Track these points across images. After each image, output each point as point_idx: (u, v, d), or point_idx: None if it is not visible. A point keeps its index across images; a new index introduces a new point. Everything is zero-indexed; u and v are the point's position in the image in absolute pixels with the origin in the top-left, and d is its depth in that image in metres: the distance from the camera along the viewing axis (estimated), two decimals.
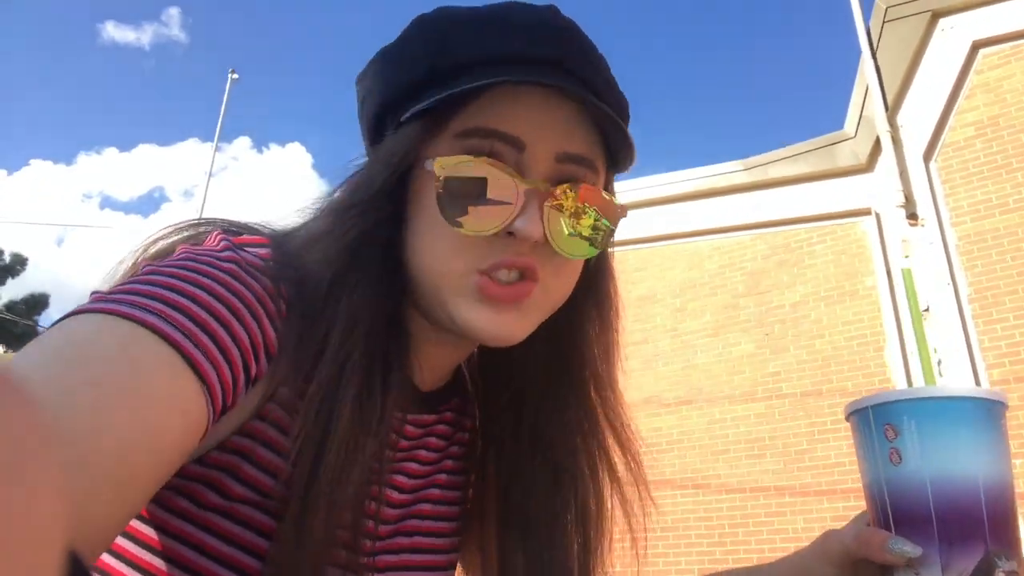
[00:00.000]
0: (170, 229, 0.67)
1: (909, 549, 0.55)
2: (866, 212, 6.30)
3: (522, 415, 0.77)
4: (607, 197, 0.68)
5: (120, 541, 0.61)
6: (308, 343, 0.61)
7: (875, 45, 6.38)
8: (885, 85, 6.24)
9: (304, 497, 0.57)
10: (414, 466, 0.76)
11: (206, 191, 15.53)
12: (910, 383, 5.65)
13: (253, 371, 0.57)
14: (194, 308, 0.53)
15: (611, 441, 0.78)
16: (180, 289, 0.54)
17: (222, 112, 16.63)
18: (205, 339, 0.53)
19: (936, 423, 0.56)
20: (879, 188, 6.21)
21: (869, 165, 6.35)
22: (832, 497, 5.70)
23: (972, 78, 5.98)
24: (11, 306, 22.77)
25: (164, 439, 0.48)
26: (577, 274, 0.70)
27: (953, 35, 6.05)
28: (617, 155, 0.70)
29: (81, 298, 0.54)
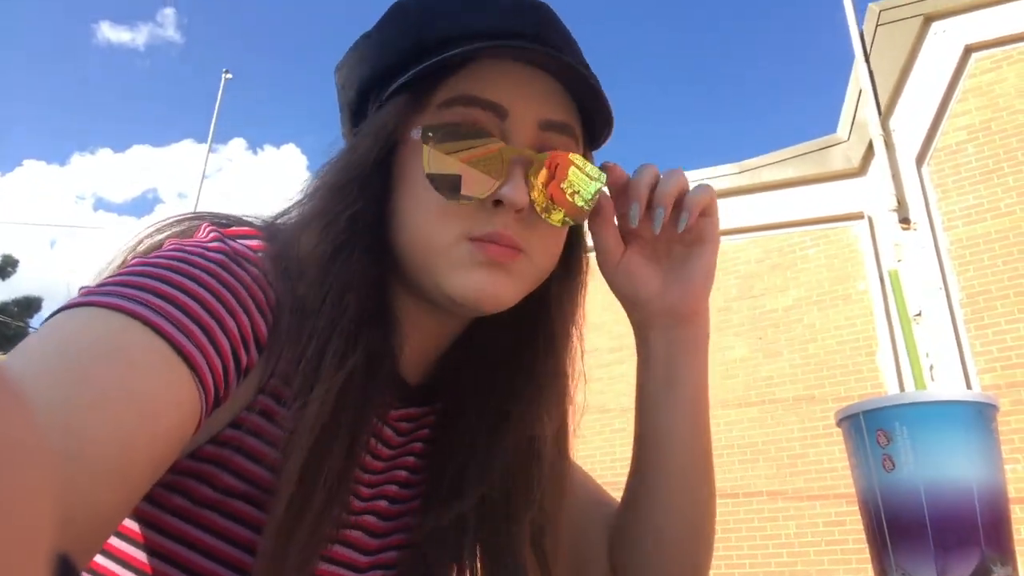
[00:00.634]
0: (160, 225, 0.67)
1: None
2: (859, 216, 6.32)
3: (488, 398, 0.75)
4: (586, 162, 0.69)
5: (112, 540, 0.61)
6: (298, 333, 0.61)
7: (868, 49, 6.42)
8: (878, 89, 6.27)
9: (291, 492, 0.57)
10: (412, 460, 0.76)
11: (199, 193, 15.51)
12: (903, 388, 5.66)
13: (244, 362, 0.58)
14: (184, 299, 0.53)
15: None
16: (169, 280, 0.54)
17: (215, 112, 16.64)
18: (196, 330, 0.53)
19: (928, 428, 0.55)
20: (872, 192, 6.24)
21: (862, 169, 6.37)
22: (825, 502, 5.70)
23: (964, 82, 6.02)
24: (3, 308, 22.70)
25: (160, 429, 0.48)
26: (561, 244, 0.71)
27: (946, 39, 6.08)
28: (595, 129, 0.72)
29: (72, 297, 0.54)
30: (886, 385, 5.81)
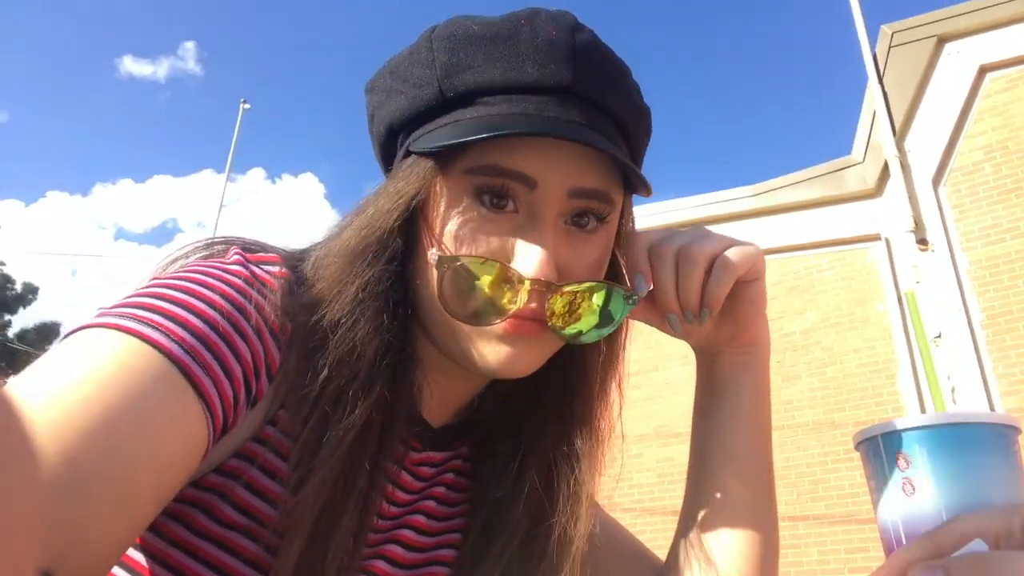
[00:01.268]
0: (189, 248, 0.66)
1: None
2: (875, 238, 6.28)
3: (518, 445, 0.73)
4: (614, 289, 0.65)
5: (114, 571, 0.60)
6: (311, 368, 0.59)
7: (882, 71, 6.41)
8: (892, 110, 6.26)
9: (299, 553, 0.56)
10: (432, 504, 0.73)
11: (216, 222, 15.67)
12: (924, 411, 5.58)
13: (254, 389, 0.57)
14: (196, 322, 0.53)
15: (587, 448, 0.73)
16: (183, 303, 0.53)
17: (234, 141, 16.84)
18: (206, 355, 0.52)
19: (949, 450, 0.54)
20: (888, 213, 6.20)
21: (878, 190, 6.34)
22: (848, 527, 5.60)
23: (980, 102, 5.99)
24: (22, 335, 22.95)
25: (166, 457, 0.48)
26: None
27: (960, 59, 6.07)
28: (633, 183, 0.68)
29: None
30: (907, 408, 5.72)
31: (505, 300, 0.61)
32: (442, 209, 0.63)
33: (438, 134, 0.63)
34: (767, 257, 0.73)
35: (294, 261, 0.67)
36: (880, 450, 0.57)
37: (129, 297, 0.54)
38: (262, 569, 0.60)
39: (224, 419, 0.53)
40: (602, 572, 0.78)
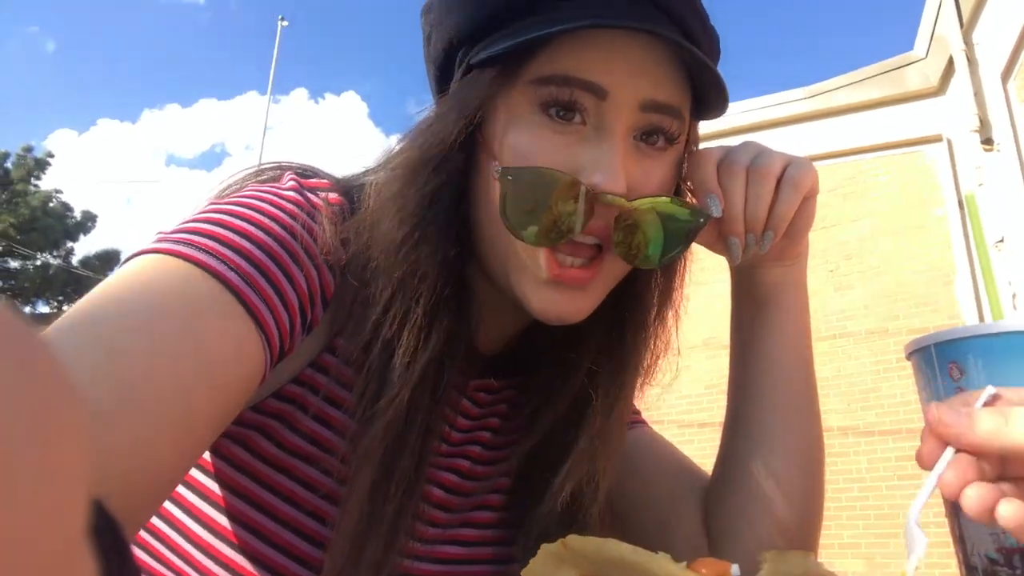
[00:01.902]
0: (244, 174, 0.66)
1: None
2: (936, 139, 5.99)
3: (570, 380, 0.72)
4: (681, 205, 0.63)
5: (179, 490, 0.62)
6: (368, 296, 0.60)
7: None
8: (960, 1, 5.85)
9: (371, 464, 0.57)
10: (477, 449, 0.74)
11: (262, 144, 15.77)
12: (982, 319, 5.44)
13: (309, 316, 0.57)
14: (252, 249, 0.53)
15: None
16: (239, 228, 0.54)
17: (274, 61, 16.74)
18: (263, 281, 0.53)
19: (1005, 360, 0.52)
20: (951, 112, 5.89)
21: (941, 88, 6.01)
22: (898, 437, 5.59)
23: None
24: (85, 261, 23.81)
25: (223, 381, 0.49)
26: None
27: None
28: (705, 100, 0.65)
29: None
30: (964, 317, 5.58)
31: (572, 214, 0.58)
32: (505, 123, 0.61)
33: (502, 43, 0.60)
34: (821, 164, 0.71)
35: (347, 187, 0.66)
36: (933, 360, 0.56)
37: (186, 223, 0.54)
38: (323, 494, 0.61)
39: (280, 344, 0.54)
40: (649, 485, 0.78)
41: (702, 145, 0.71)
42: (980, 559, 0.52)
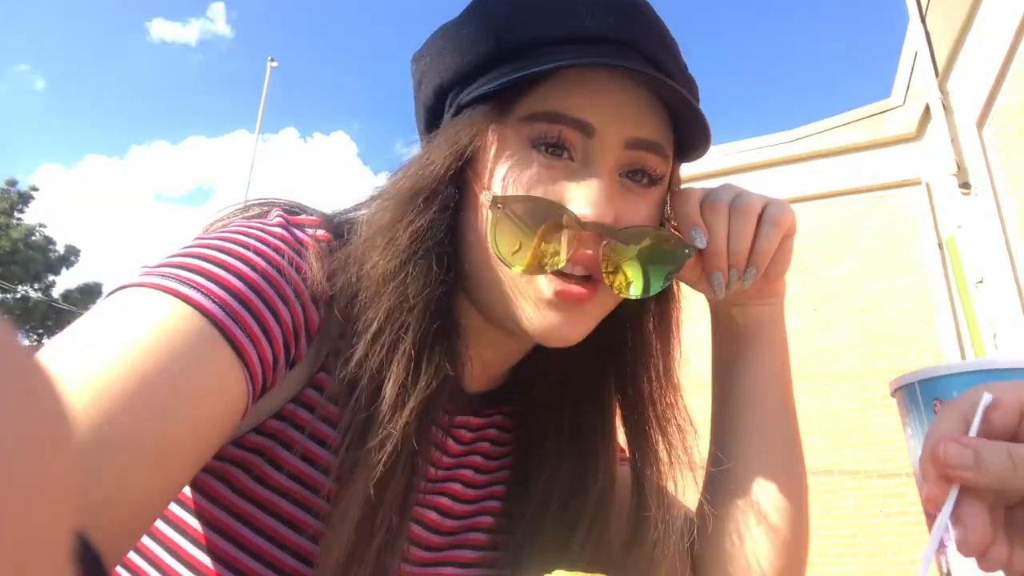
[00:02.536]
0: (231, 210, 0.66)
1: None
2: (916, 183, 6.11)
3: (563, 410, 0.74)
4: (670, 237, 0.65)
5: (157, 525, 0.61)
6: (353, 328, 0.59)
7: (924, 9, 6.15)
8: (935, 50, 6.02)
9: (350, 536, 0.56)
10: (469, 473, 0.73)
11: (248, 182, 15.78)
12: (964, 357, 5.49)
13: (293, 351, 0.57)
14: (236, 283, 0.53)
15: (655, 428, 0.73)
16: (224, 263, 0.53)
17: (263, 99, 16.83)
18: (246, 316, 0.52)
19: None
20: (929, 157, 6.01)
21: (919, 134, 6.14)
22: (884, 474, 5.59)
23: None
24: (67, 295, 23.54)
25: (204, 416, 0.48)
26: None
27: None
28: (688, 142, 0.67)
29: None
30: (947, 355, 5.63)
31: (560, 245, 0.59)
32: (496, 157, 0.62)
33: (494, 82, 0.61)
34: (804, 205, 0.73)
35: (335, 224, 0.66)
36: (917, 397, 0.57)
37: (171, 257, 0.54)
38: (307, 533, 0.60)
39: (263, 380, 0.54)
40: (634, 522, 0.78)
41: (685, 186, 0.73)
42: None
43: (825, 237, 6.35)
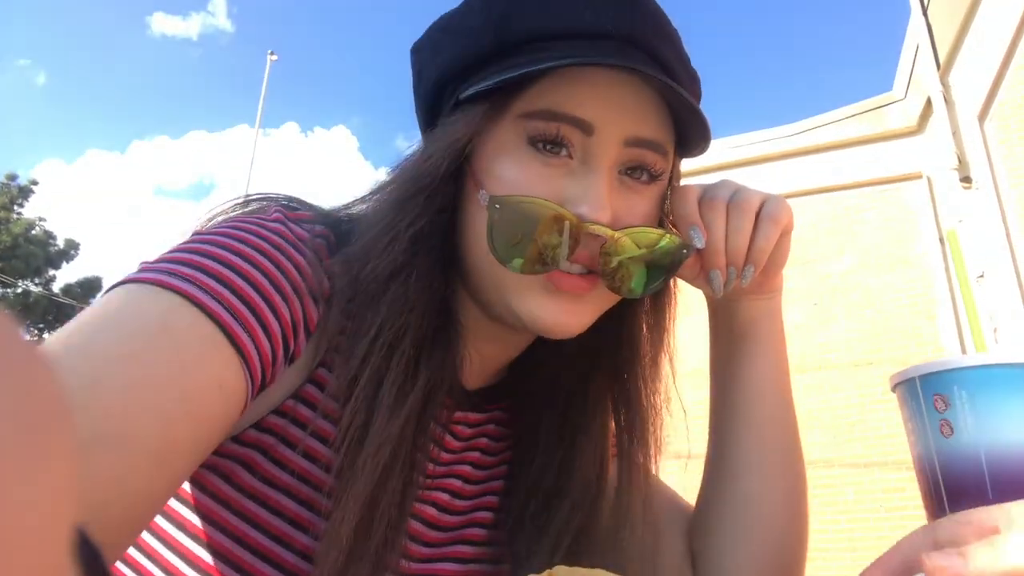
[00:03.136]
0: (230, 205, 0.66)
1: None
2: (917, 176, 6.10)
3: (556, 403, 0.74)
4: (663, 236, 0.64)
5: (157, 520, 0.61)
6: (353, 327, 0.59)
7: (926, 2, 6.13)
8: (936, 43, 6.00)
9: (357, 500, 0.56)
10: (468, 469, 0.74)
11: (249, 177, 15.79)
12: (965, 351, 5.49)
13: (291, 347, 0.57)
14: (235, 279, 0.53)
15: (645, 420, 0.74)
16: (222, 259, 0.53)
17: (263, 93, 16.83)
18: (245, 311, 0.52)
19: (989, 392, 0.53)
20: (930, 151, 6.01)
21: (920, 127, 6.14)
22: (884, 468, 5.60)
23: None
24: (67, 289, 23.60)
25: (203, 413, 0.48)
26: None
27: None
28: (688, 138, 0.66)
29: None
30: (947, 349, 5.64)
31: (557, 244, 0.59)
32: (493, 155, 0.62)
33: (492, 78, 0.61)
34: (804, 199, 0.72)
35: (333, 220, 0.67)
36: (917, 392, 0.56)
37: (170, 252, 0.54)
38: (306, 529, 0.60)
39: (262, 376, 0.54)
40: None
41: (685, 180, 0.72)
42: None
43: (825, 231, 6.35)
